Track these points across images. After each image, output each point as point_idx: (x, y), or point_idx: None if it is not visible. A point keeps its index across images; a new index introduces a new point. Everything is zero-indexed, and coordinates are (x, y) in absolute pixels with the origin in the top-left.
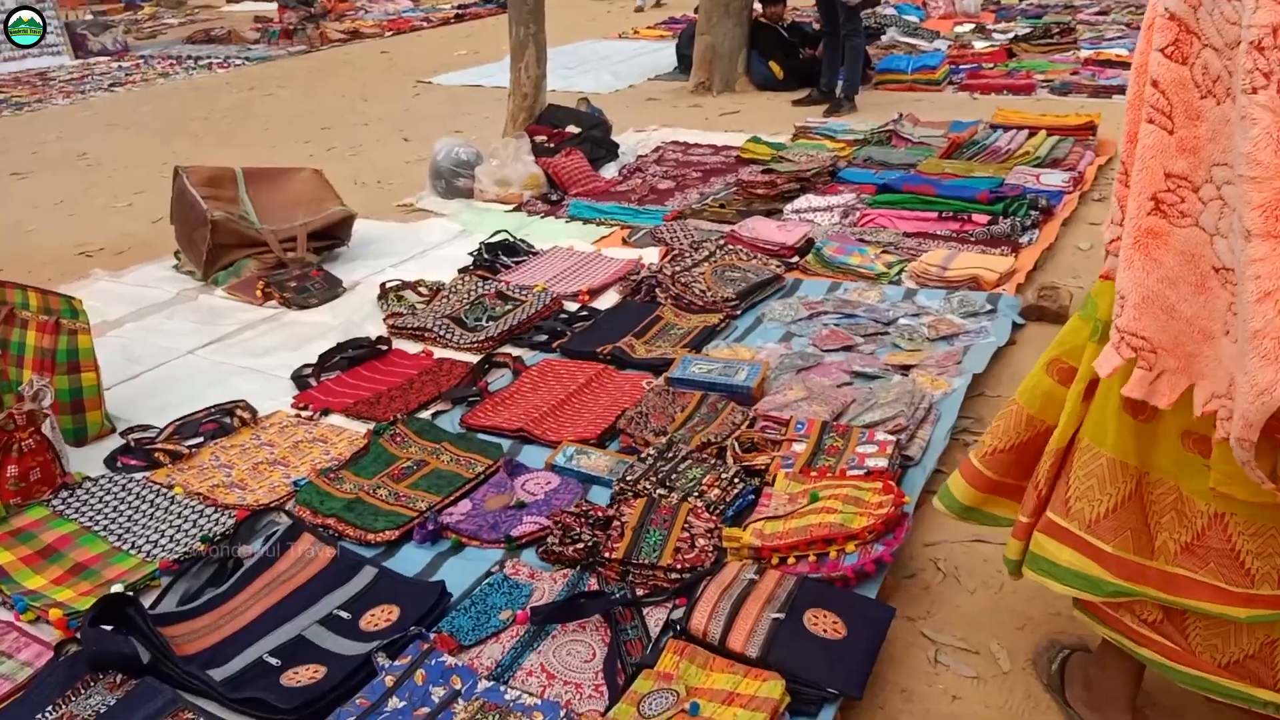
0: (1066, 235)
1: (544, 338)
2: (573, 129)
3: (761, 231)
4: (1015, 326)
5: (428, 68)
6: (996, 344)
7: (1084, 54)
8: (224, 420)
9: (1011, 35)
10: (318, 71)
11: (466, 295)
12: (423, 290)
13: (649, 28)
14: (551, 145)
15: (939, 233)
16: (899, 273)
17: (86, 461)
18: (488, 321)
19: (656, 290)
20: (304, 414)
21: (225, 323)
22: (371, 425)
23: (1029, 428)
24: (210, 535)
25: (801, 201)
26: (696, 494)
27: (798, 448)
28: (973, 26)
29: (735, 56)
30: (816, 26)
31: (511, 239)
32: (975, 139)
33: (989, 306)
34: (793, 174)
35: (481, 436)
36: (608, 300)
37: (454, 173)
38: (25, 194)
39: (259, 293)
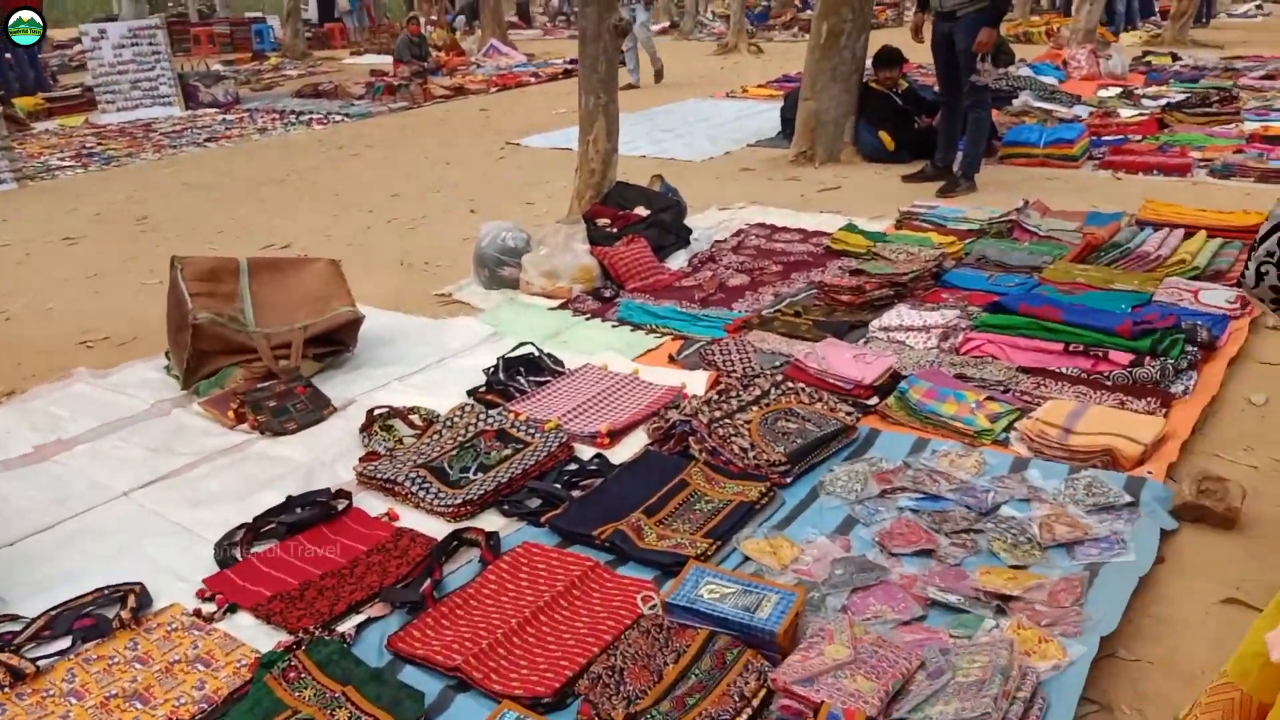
0: (1234, 381)
1: (536, 503)
2: (641, 211)
3: (833, 363)
4: (1163, 533)
5: (522, 127)
6: (1139, 570)
7: (1248, 127)
8: (105, 614)
9: (1164, 102)
10: (411, 129)
11: (463, 431)
12: (416, 421)
13: (758, 86)
14: (614, 230)
15: (1064, 370)
16: (1006, 429)
17: None
18: (476, 473)
19: (690, 439)
20: (205, 609)
21: (182, 452)
22: (282, 637)
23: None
24: None
25: (892, 316)
26: None
27: None
28: (1119, 91)
29: (841, 125)
30: (937, 91)
31: (536, 354)
32: (1117, 240)
33: (1128, 498)
34: (887, 278)
35: (408, 670)
36: (633, 443)
37: (499, 261)
38: (65, 263)
39: (231, 413)
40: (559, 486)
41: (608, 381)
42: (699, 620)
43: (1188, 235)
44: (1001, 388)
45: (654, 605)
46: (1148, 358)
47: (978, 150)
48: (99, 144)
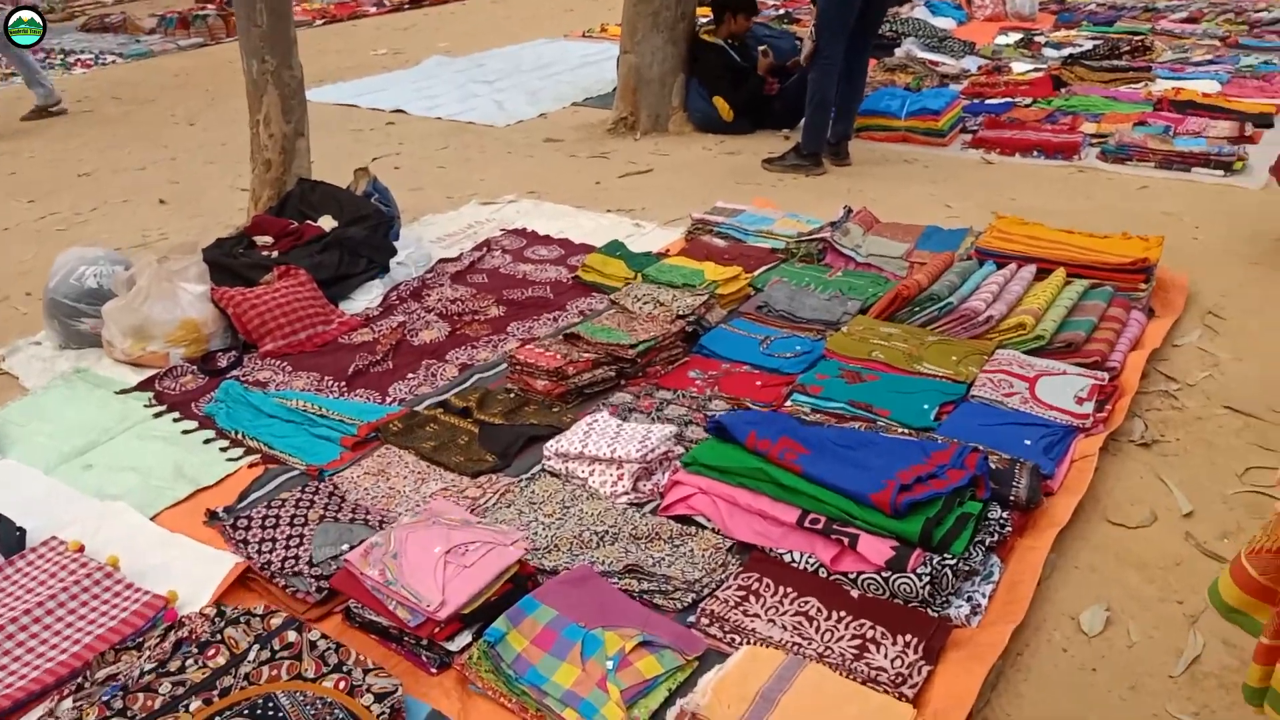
0: (1063, 579)
1: None
2: (326, 223)
3: (408, 564)
4: None
5: (323, 72)
6: None
7: (1158, 87)
8: None
9: (1066, 53)
10: (186, 75)
11: None
12: None
13: (620, 25)
14: (274, 255)
15: (793, 560)
16: (655, 717)
17: None
18: None
19: None
20: None
21: None
22: None
23: None
24: None
25: (576, 434)
26: None
27: None
28: (1019, 37)
29: (668, 84)
30: (798, 41)
31: None
32: (936, 290)
33: None
34: (606, 350)
35: None
36: None
37: (73, 310)
38: None
39: None
40: None
41: (61, 583)
42: None
43: (1040, 274)
44: (689, 594)
45: None
46: (917, 550)
47: (814, 121)
48: None
